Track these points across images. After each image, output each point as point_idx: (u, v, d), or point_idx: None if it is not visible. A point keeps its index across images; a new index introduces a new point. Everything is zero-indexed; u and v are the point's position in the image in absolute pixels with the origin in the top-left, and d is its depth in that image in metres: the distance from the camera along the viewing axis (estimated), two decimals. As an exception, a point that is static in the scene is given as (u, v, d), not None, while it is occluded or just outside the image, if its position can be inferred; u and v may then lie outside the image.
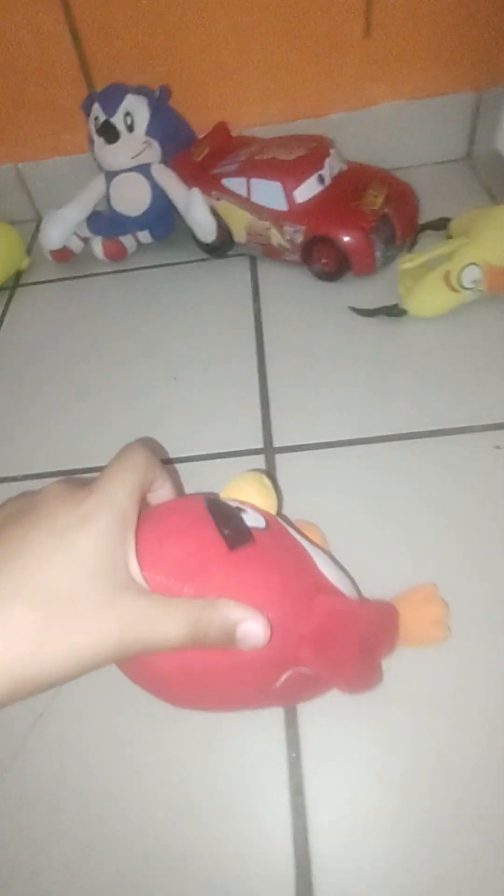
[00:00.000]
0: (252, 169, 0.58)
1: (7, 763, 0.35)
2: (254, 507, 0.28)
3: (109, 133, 0.60)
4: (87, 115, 0.63)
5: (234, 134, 0.68)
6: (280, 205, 0.57)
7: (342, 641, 0.27)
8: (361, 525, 0.42)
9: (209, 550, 0.24)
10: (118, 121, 0.60)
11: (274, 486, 0.31)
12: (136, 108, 0.60)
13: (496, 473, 0.43)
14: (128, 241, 0.68)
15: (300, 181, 0.57)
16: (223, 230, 0.63)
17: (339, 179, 0.59)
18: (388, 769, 0.32)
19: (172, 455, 0.48)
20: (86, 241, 0.69)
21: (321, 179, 0.58)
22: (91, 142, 0.63)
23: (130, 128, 0.60)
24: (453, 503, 0.42)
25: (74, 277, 0.68)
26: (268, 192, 0.57)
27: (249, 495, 0.28)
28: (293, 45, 0.64)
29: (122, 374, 0.56)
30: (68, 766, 0.35)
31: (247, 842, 0.31)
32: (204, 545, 0.24)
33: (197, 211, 0.60)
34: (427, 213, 0.62)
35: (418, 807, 0.31)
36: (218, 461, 0.47)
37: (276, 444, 0.47)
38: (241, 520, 0.26)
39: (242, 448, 0.48)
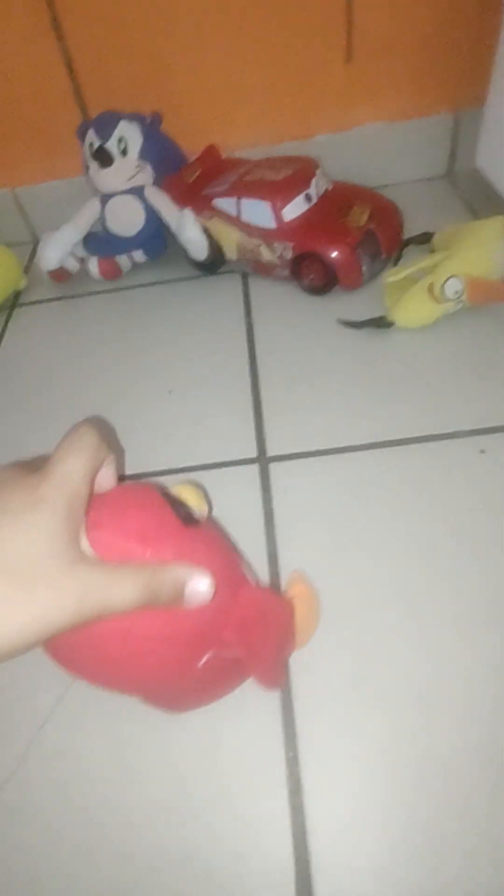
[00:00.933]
0: (242, 189, 0.61)
1: (8, 773, 0.36)
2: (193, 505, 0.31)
3: (104, 158, 0.62)
4: (82, 140, 0.65)
5: (223, 156, 0.71)
6: (269, 223, 0.60)
7: (263, 629, 0.31)
8: (352, 528, 0.43)
9: (166, 523, 0.28)
10: (112, 146, 0.62)
11: (202, 496, 0.32)
12: (130, 134, 0.63)
13: (482, 476, 0.44)
14: (123, 260, 0.70)
15: (288, 200, 0.59)
16: (215, 248, 0.65)
17: (325, 198, 0.62)
18: (387, 767, 0.33)
19: (169, 466, 0.49)
20: (82, 260, 0.71)
21: (308, 198, 0.60)
22: (86, 166, 0.65)
23: (124, 152, 0.63)
24: (441, 506, 0.43)
25: (71, 297, 0.70)
26: (257, 211, 0.60)
27: (188, 499, 0.31)
28: (279, 72, 0.67)
29: (118, 389, 0.57)
30: (69, 775, 0.35)
31: (246, 842, 0.32)
32: (162, 519, 0.28)
33: (189, 230, 0.62)
34: (411, 229, 0.65)
35: (417, 804, 0.32)
36: (213, 471, 0.48)
37: (270, 453, 0.49)
38: (189, 507, 0.30)
39: (237, 458, 0.49)
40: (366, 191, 0.64)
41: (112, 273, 0.70)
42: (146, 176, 0.65)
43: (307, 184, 0.60)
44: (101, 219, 0.67)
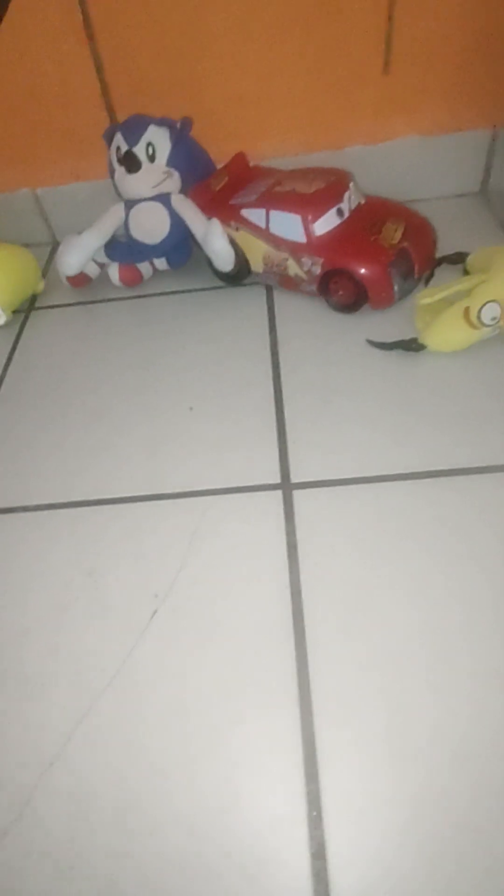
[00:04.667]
0: (272, 201, 0.59)
1: (14, 817, 0.34)
2: None
3: (131, 163, 0.60)
4: (109, 144, 0.63)
5: (252, 164, 0.69)
6: (299, 237, 0.58)
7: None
8: (379, 564, 0.41)
9: None
10: (140, 151, 0.60)
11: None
12: (158, 139, 0.61)
13: (519, 516, 0.42)
14: (144, 267, 0.68)
15: (320, 214, 0.57)
16: (241, 260, 0.63)
17: (357, 213, 0.60)
18: (414, 829, 0.31)
19: (186, 489, 0.47)
20: (102, 266, 0.69)
21: (340, 213, 0.58)
22: (111, 170, 0.63)
23: (152, 158, 0.61)
24: (474, 544, 0.41)
25: (90, 302, 0.68)
26: (287, 224, 0.58)
27: None
28: (314, 80, 0.65)
29: (136, 402, 0.56)
30: (76, 820, 0.33)
31: (264, 906, 0.30)
32: None
33: (216, 242, 0.60)
34: (442, 247, 0.63)
35: (445, 872, 0.30)
36: (234, 496, 0.46)
37: (294, 479, 0.47)
38: None
39: (259, 483, 0.47)
40: (399, 206, 0.62)
41: (133, 280, 0.68)
42: (173, 183, 0.63)
43: (339, 198, 0.58)
44: (125, 225, 0.65)
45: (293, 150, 0.70)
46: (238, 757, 0.34)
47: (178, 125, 0.62)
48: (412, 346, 0.54)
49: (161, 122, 0.61)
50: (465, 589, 0.39)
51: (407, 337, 0.55)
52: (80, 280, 0.69)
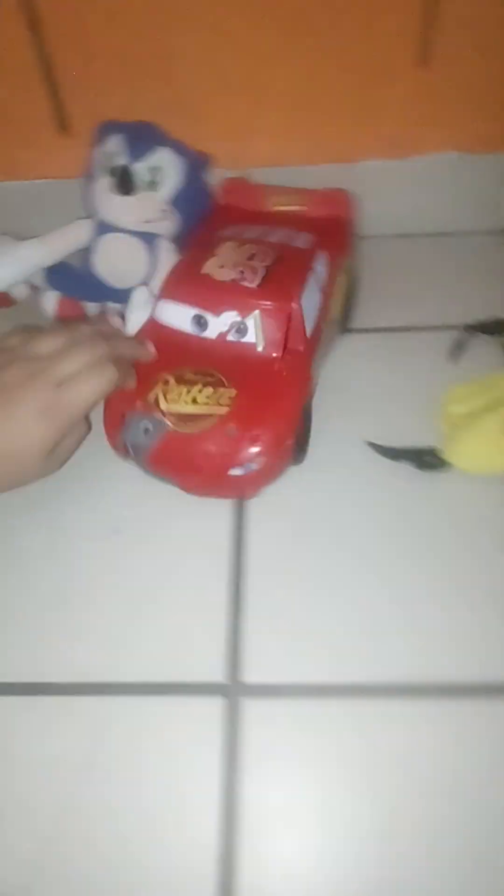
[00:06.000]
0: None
1: None
2: None
3: (125, 182, 0.44)
4: (99, 141, 0.47)
5: (238, 174, 0.52)
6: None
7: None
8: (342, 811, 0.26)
9: None
10: (141, 171, 0.45)
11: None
12: (169, 168, 0.45)
13: None
14: (92, 308, 0.51)
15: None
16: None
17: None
18: None
19: (86, 678, 0.32)
20: (34, 289, 0.53)
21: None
22: (90, 175, 0.47)
23: (153, 186, 0.45)
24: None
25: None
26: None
27: None
28: (323, 68, 0.48)
29: (40, 511, 0.40)
30: None
31: None
32: None
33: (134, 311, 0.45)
34: (473, 303, 0.47)
35: None
36: (158, 698, 0.31)
37: (244, 678, 0.32)
38: None
39: (196, 680, 0.32)
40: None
41: (74, 319, 0.52)
42: (168, 226, 0.47)
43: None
44: (87, 250, 0.49)
45: (291, 158, 0.53)
46: None
47: (198, 159, 0.48)
48: (430, 460, 0.39)
49: (179, 149, 0.46)
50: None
51: (422, 445, 0.39)
52: (1, 299, 0.52)
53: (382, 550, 0.36)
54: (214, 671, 0.32)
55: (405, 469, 0.39)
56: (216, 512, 0.38)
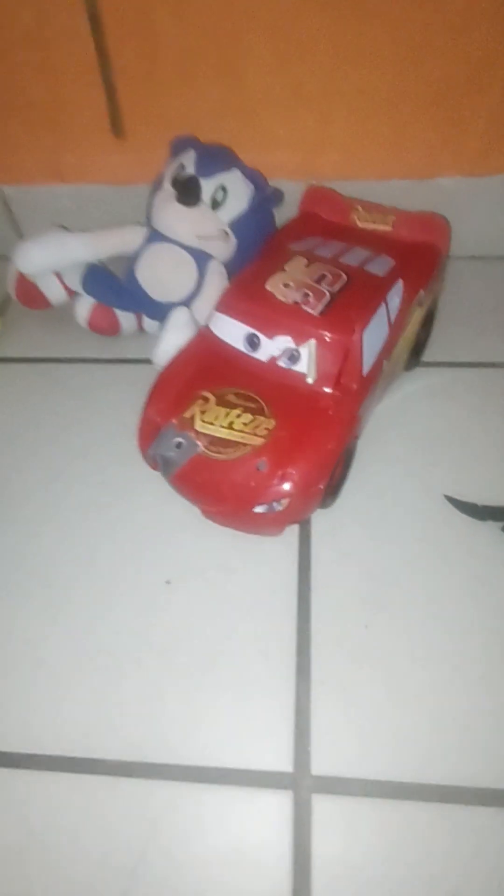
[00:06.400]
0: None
1: None
2: None
3: (189, 192, 0.42)
4: (174, 156, 0.45)
5: (305, 183, 0.48)
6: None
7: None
8: None
9: None
10: (208, 187, 0.43)
11: None
12: (236, 190, 0.44)
13: None
14: (127, 318, 0.48)
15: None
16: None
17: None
18: None
19: (124, 755, 0.29)
20: (70, 293, 0.49)
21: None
22: (157, 184, 0.45)
23: (216, 205, 0.43)
24: None
25: (51, 360, 0.49)
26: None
27: None
28: (407, 74, 0.44)
29: (86, 558, 0.37)
30: None
31: None
32: None
33: (169, 332, 0.43)
34: None
35: None
36: (209, 787, 0.28)
37: (315, 771, 0.28)
38: None
39: (263, 768, 0.29)
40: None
41: (106, 329, 0.48)
42: (223, 249, 0.44)
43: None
44: (132, 258, 0.46)
45: (361, 172, 0.49)
46: None
47: (269, 193, 0.46)
48: (518, 521, 0.35)
49: (251, 175, 0.45)
50: None
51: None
52: (31, 296, 0.49)
53: (463, 629, 0.32)
54: (282, 760, 0.28)
55: (491, 530, 0.35)
56: (278, 566, 0.35)
